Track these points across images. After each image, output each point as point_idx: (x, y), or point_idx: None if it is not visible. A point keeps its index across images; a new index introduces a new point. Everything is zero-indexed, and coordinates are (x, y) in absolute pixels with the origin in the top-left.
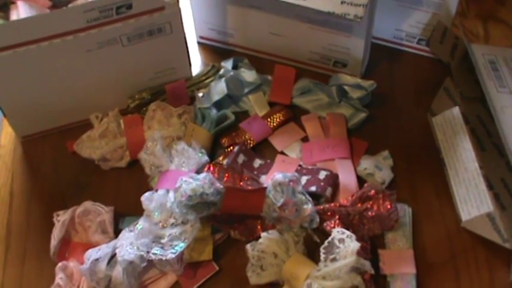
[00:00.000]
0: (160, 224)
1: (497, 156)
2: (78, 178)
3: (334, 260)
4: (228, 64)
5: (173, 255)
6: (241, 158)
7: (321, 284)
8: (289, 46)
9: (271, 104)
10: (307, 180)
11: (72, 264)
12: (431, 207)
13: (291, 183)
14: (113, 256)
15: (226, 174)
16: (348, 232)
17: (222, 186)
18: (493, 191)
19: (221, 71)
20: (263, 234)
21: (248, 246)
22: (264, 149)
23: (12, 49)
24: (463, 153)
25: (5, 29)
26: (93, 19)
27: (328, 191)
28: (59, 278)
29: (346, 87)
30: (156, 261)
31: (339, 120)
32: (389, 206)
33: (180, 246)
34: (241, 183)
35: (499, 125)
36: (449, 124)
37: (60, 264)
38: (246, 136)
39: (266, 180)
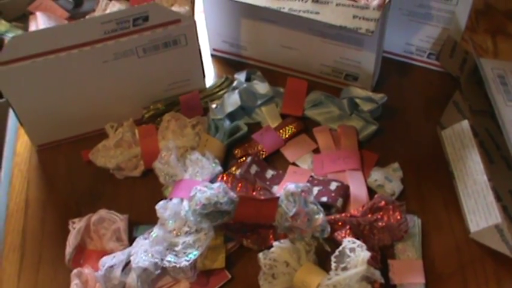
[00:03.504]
0: (175, 232)
1: (506, 169)
2: (92, 187)
3: (344, 269)
4: (241, 76)
5: (187, 263)
6: (253, 169)
7: None
8: (302, 59)
9: (283, 116)
10: (319, 190)
11: (87, 270)
12: (440, 218)
13: (303, 194)
14: (128, 263)
15: (239, 184)
16: (358, 242)
17: (235, 196)
18: (501, 203)
19: (234, 83)
20: (275, 243)
21: (260, 255)
22: (276, 160)
23: (31, 59)
24: (472, 166)
25: (24, 39)
26: (110, 31)
27: (339, 202)
28: (74, 284)
29: (357, 100)
30: (170, 269)
31: (350, 132)
32: (399, 217)
33: (194, 254)
34: (254, 193)
35: (507, 138)
36: (459, 137)
37: (75, 270)
38: (259, 147)
39: (278, 191)
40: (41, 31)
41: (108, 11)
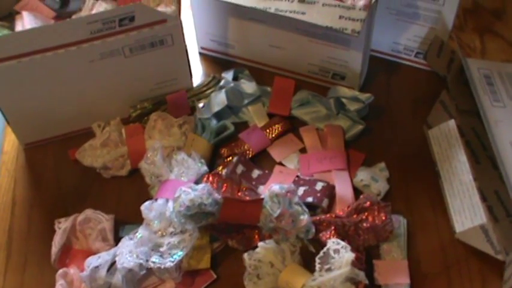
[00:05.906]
0: (160, 232)
1: (491, 169)
2: (79, 186)
3: (329, 270)
4: (228, 75)
5: (172, 264)
6: (240, 168)
7: None
8: (289, 58)
9: (270, 115)
10: (304, 191)
11: (72, 271)
12: (426, 218)
13: (288, 194)
14: (113, 263)
15: (225, 185)
16: (343, 243)
17: (220, 197)
18: (487, 203)
19: (221, 82)
20: (260, 243)
21: (245, 255)
22: (262, 160)
23: (17, 59)
24: (458, 166)
25: (10, 39)
26: (97, 30)
27: (325, 202)
28: (59, 284)
29: (344, 100)
30: (155, 269)
31: (336, 132)
32: (384, 217)
33: (179, 254)
34: (239, 194)
35: (492, 138)
36: (445, 137)
37: (60, 271)
38: (245, 147)
39: (264, 191)
40: (27, 31)
41: (94, 11)
